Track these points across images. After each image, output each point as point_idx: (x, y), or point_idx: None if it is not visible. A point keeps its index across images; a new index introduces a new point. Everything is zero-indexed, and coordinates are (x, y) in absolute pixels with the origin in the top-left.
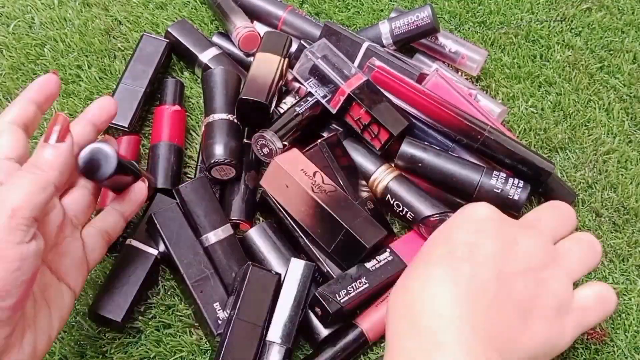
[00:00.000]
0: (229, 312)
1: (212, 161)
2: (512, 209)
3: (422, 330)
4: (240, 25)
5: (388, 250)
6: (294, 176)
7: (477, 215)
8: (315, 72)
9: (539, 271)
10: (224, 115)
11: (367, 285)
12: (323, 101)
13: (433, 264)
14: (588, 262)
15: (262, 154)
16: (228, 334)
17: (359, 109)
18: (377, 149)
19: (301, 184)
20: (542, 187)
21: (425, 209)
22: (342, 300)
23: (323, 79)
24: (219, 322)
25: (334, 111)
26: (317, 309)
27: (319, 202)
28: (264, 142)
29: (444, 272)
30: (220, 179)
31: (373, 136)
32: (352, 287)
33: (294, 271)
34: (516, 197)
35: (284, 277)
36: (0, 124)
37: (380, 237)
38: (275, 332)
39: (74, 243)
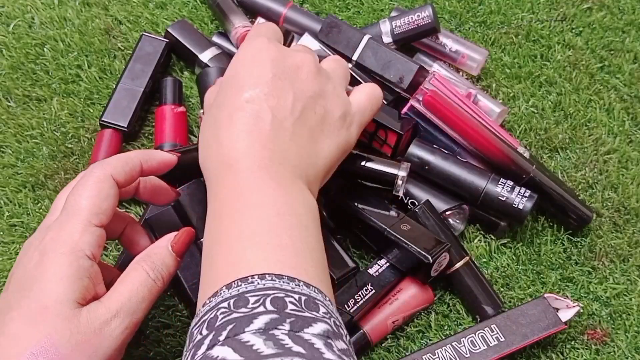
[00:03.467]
0: None
1: None
2: (516, 217)
3: (229, 166)
4: (239, 24)
5: None
6: None
7: (261, 55)
8: None
9: (321, 93)
10: None
11: (374, 291)
12: None
13: (236, 115)
14: (346, 73)
15: None
16: None
17: None
18: (389, 155)
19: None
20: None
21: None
22: (351, 310)
23: None
24: None
25: None
26: None
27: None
28: None
29: (247, 123)
30: None
31: (382, 143)
32: (360, 295)
33: None
34: (521, 206)
35: None
36: (108, 185)
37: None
38: None
39: None
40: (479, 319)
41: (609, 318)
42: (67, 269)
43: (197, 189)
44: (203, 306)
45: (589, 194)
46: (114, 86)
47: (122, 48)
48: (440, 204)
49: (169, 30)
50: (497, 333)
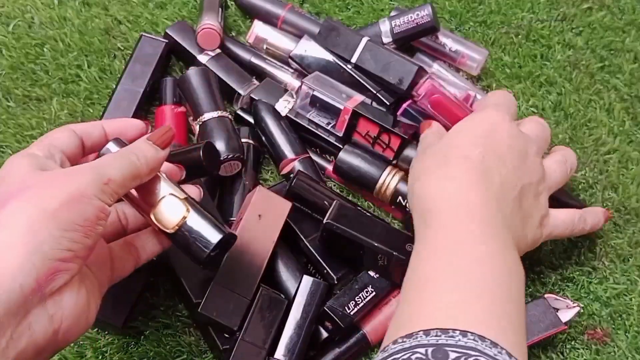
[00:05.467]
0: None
1: (220, 159)
2: None
3: (459, 208)
4: (206, 22)
5: None
6: None
7: (495, 125)
8: (316, 102)
9: (537, 185)
10: (214, 114)
11: (374, 293)
12: (328, 128)
13: (472, 162)
14: (561, 182)
15: None
16: (232, 354)
17: (367, 122)
18: (392, 158)
19: None
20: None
21: None
22: (352, 313)
23: (324, 107)
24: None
25: (340, 133)
26: (328, 324)
27: None
28: None
29: (482, 174)
30: (225, 176)
31: (385, 147)
32: (360, 297)
33: (305, 288)
34: None
35: (294, 293)
36: (64, 128)
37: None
38: (280, 351)
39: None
40: None
41: (609, 318)
42: (23, 156)
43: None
44: (394, 344)
45: (589, 194)
46: (114, 87)
47: (122, 48)
48: None
49: (168, 31)
50: None
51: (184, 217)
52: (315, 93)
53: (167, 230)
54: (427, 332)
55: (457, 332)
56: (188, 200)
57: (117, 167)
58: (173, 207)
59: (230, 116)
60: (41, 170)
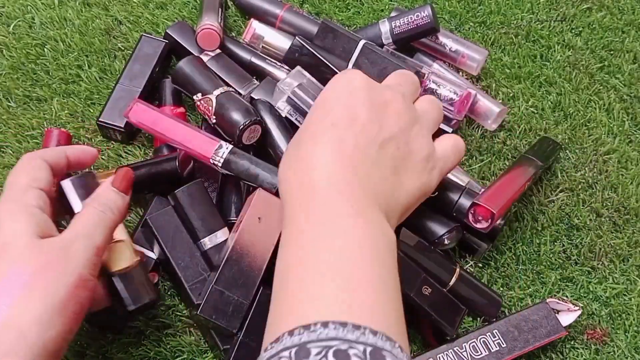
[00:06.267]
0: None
1: (241, 126)
2: (487, 233)
3: (309, 186)
4: (206, 22)
5: None
6: None
7: (352, 85)
8: (291, 103)
9: (407, 131)
10: (221, 89)
11: None
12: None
13: (320, 135)
14: (438, 117)
15: None
16: (232, 354)
17: None
18: None
19: None
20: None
21: (438, 228)
22: None
23: (300, 109)
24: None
25: None
26: None
27: None
28: None
29: (330, 142)
30: (250, 144)
31: None
32: None
33: None
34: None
35: None
36: (39, 162)
37: None
38: None
39: None
40: (481, 320)
41: (608, 318)
42: (20, 212)
43: (197, 190)
44: (265, 351)
45: (589, 194)
46: (113, 86)
47: (123, 48)
48: (437, 228)
49: (168, 31)
50: (499, 338)
51: (129, 267)
52: (292, 94)
53: (109, 271)
54: (291, 333)
55: (319, 324)
56: (137, 252)
57: (100, 232)
58: (124, 253)
59: (231, 89)
60: (39, 239)
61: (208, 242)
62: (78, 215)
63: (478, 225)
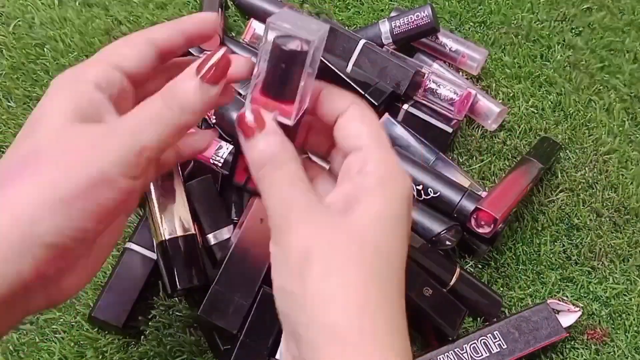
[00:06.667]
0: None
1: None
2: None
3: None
4: None
5: None
6: None
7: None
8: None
9: None
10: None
11: None
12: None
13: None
14: None
15: None
16: (233, 354)
17: None
18: None
19: None
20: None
21: (435, 225)
22: None
23: None
24: None
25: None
26: None
27: None
28: None
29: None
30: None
31: None
32: None
33: None
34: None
35: None
36: (137, 37)
37: None
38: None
39: None
40: (482, 320)
41: (608, 318)
42: (67, 87)
43: (206, 184)
44: None
45: (589, 194)
46: None
47: None
48: (434, 226)
49: None
50: (500, 340)
51: None
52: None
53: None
54: None
55: None
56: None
57: (153, 131)
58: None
59: None
60: (74, 123)
61: (213, 238)
62: (142, 102)
63: (481, 230)
